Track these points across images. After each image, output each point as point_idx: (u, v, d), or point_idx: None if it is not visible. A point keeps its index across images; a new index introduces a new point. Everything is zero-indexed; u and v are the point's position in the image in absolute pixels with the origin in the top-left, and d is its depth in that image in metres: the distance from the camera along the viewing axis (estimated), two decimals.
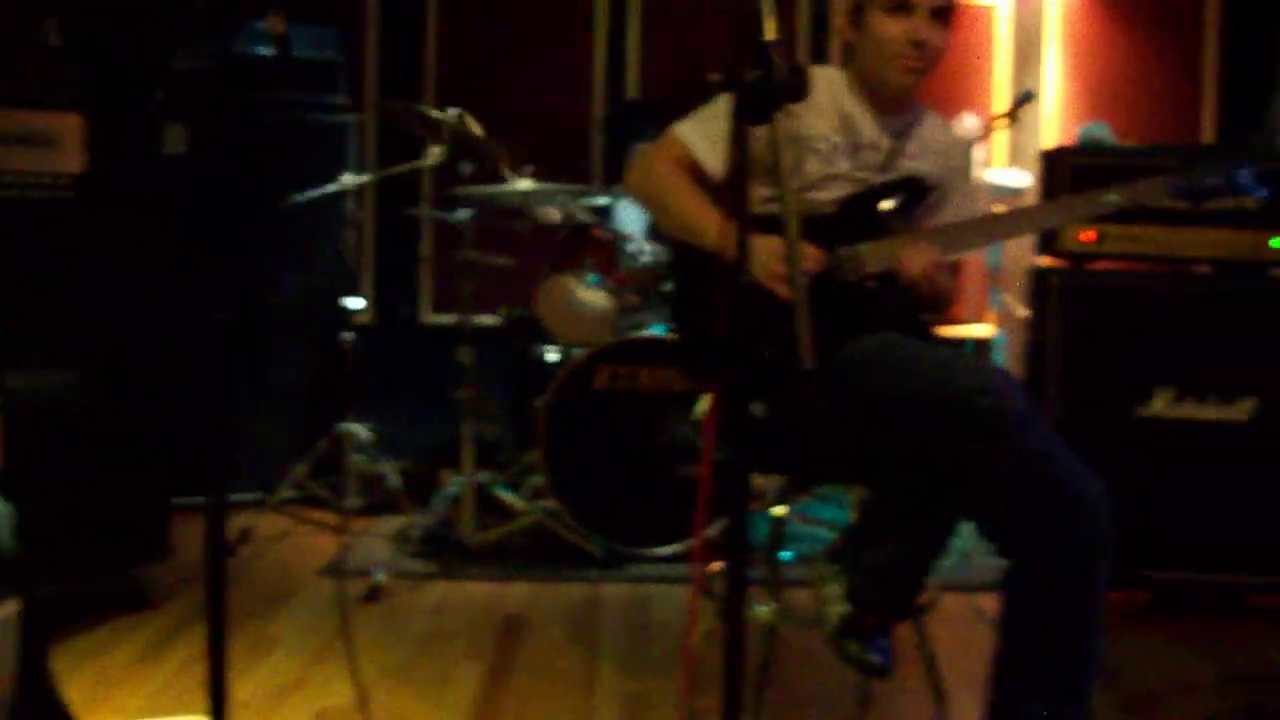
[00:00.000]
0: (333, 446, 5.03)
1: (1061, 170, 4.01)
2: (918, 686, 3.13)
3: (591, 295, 4.69)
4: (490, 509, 4.69)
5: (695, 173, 2.91)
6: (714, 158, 2.89)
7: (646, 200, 3.02)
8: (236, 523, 4.67)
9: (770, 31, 1.95)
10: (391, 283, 6.41)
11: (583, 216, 4.86)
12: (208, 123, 4.90)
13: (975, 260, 5.95)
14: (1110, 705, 3.31)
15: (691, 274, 2.92)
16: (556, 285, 4.72)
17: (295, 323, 5.34)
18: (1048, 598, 2.60)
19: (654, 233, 4.91)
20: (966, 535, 4.08)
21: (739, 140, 1.94)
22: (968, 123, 5.77)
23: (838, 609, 2.66)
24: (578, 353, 4.62)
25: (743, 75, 1.94)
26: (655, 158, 2.95)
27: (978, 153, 5.63)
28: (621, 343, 4.56)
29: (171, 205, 4.16)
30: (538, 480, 4.68)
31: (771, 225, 2.70)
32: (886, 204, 2.88)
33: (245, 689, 3.35)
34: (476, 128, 4.68)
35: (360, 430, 5.03)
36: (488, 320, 5.47)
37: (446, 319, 6.21)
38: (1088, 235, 3.98)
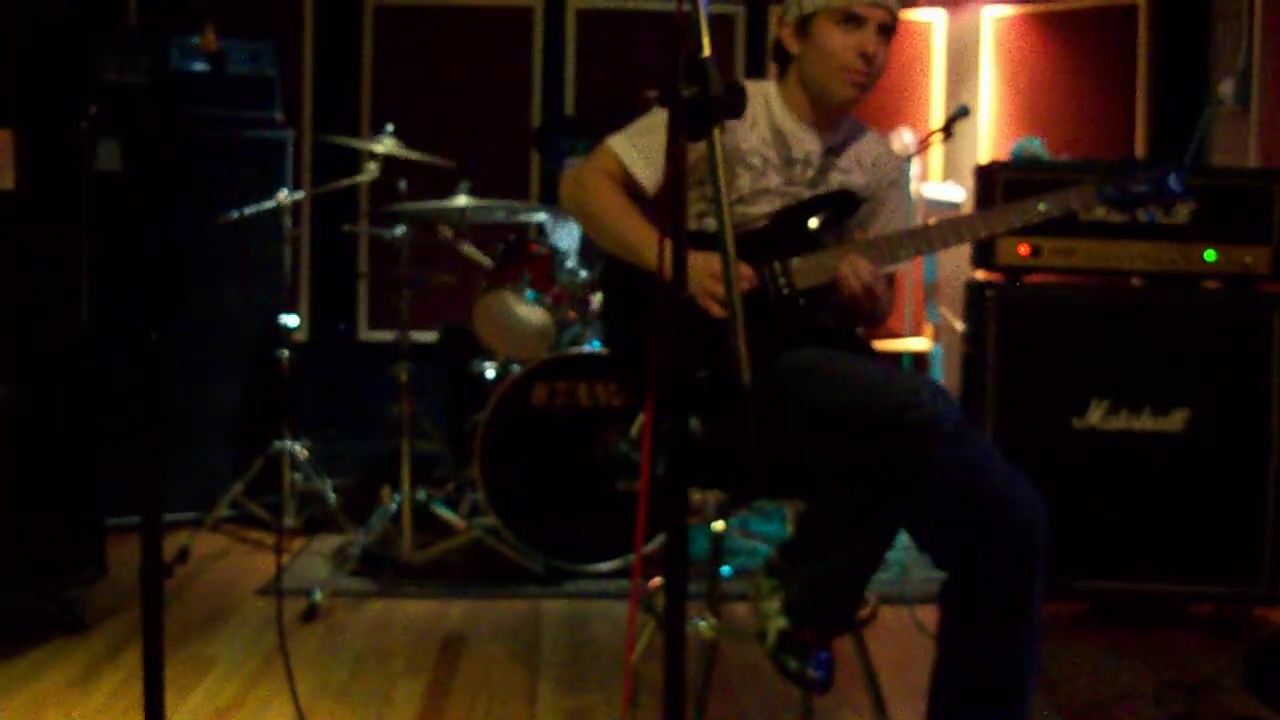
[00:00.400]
0: (270, 465, 4.99)
1: (995, 184, 4.03)
2: (859, 700, 3.14)
3: (529, 310, 4.68)
4: (429, 526, 4.66)
5: (628, 186, 2.89)
6: (648, 171, 2.87)
7: (580, 214, 2.98)
8: (173, 542, 4.64)
9: (706, 48, 1.95)
10: (328, 299, 6.38)
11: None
12: (141, 139, 4.85)
13: (912, 274, 6.00)
14: (1049, 715, 3.34)
15: (621, 289, 2.91)
16: (494, 300, 4.70)
17: (231, 340, 5.31)
18: (984, 609, 2.62)
19: (586, 249, 4.92)
20: (904, 548, 4.10)
21: (675, 156, 1.94)
22: (904, 138, 5.82)
23: (776, 624, 2.66)
24: (516, 368, 4.61)
25: (679, 91, 1.94)
26: (588, 170, 2.92)
27: (913, 168, 5.69)
28: (559, 358, 4.55)
29: (104, 222, 4.13)
30: (477, 497, 4.66)
31: (704, 241, 2.71)
32: (816, 219, 2.88)
33: (183, 711, 3.32)
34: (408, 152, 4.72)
35: (297, 448, 5.00)
36: (425, 336, 5.45)
37: (384, 335, 6.19)
38: (1023, 249, 4.01)
